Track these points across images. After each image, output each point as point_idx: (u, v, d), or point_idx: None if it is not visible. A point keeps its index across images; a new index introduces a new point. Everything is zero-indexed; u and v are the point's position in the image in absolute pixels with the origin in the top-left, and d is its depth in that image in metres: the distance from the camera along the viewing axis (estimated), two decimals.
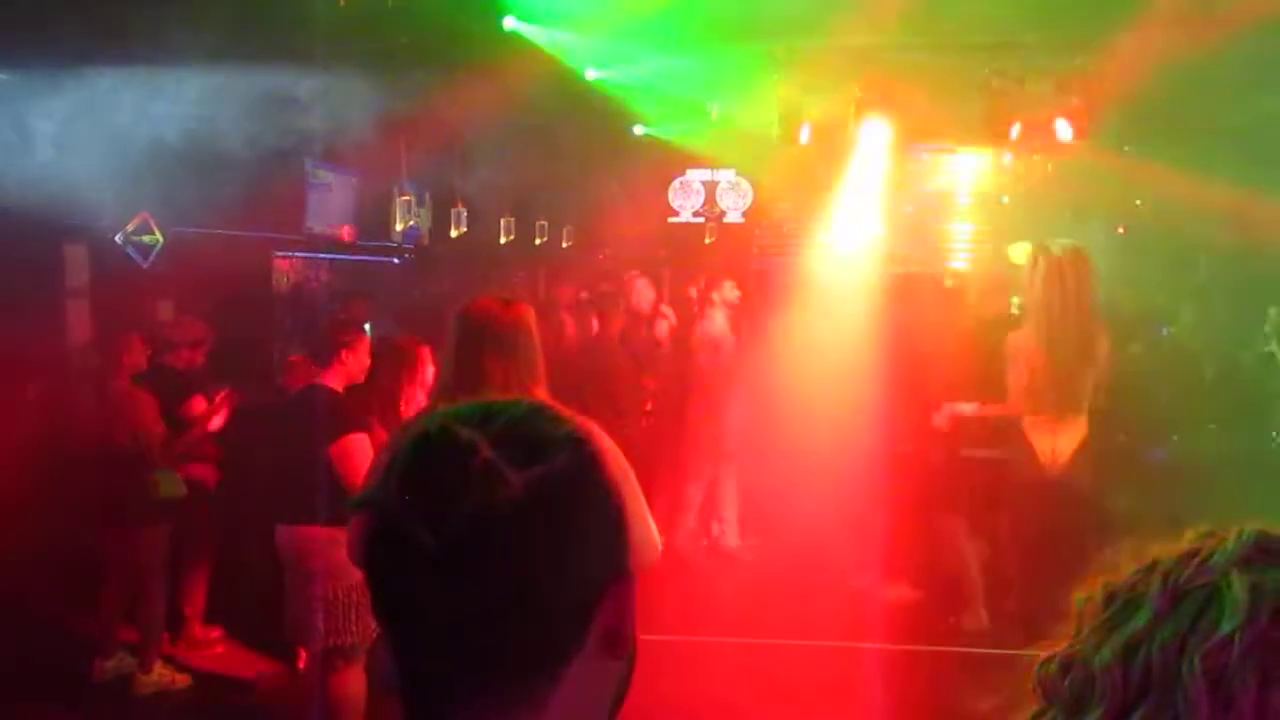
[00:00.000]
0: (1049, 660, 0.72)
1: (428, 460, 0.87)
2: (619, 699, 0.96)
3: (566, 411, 0.96)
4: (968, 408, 5.87)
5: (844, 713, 5.19)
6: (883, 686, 5.42)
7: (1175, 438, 9.33)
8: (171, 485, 5.58)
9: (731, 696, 5.36)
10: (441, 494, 0.85)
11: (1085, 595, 0.73)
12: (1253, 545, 0.69)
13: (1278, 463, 9.81)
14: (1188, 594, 0.68)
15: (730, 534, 8.08)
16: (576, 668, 0.89)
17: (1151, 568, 0.71)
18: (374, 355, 4.83)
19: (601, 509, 0.91)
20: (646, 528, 2.67)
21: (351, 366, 4.67)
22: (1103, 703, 0.67)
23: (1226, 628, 0.65)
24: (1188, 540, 0.72)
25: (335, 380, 4.65)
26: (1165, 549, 0.72)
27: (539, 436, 0.90)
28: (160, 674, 5.57)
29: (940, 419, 6.23)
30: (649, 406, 7.68)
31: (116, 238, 6.97)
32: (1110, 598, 0.71)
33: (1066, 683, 0.70)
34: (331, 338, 4.83)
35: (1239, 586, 0.66)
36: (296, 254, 9.51)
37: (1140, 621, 0.68)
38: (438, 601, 0.86)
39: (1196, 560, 0.69)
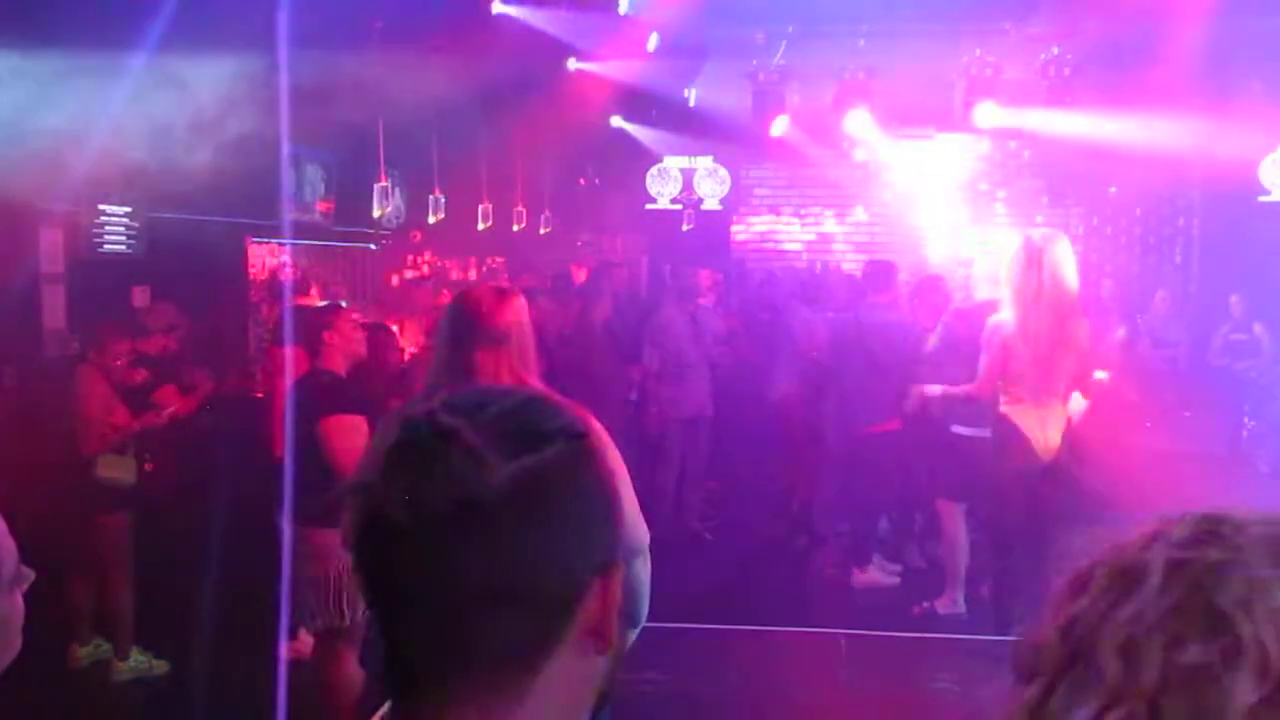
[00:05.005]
0: (1019, 639, 0.78)
1: (411, 446, 0.88)
2: (603, 694, 0.96)
3: (564, 402, 0.96)
4: (935, 389, 5.92)
5: (817, 699, 5.21)
6: (853, 673, 5.46)
7: (1148, 424, 9.43)
8: (114, 468, 5.46)
9: (701, 683, 5.37)
10: (423, 480, 0.86)
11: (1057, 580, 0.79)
12: (1195, 527, 0.73)
13: (1248, 450, 9.95)
14: (1123, 572, 0.73)
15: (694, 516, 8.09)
16: (558, 661, 0.89)
17: (1113, 551, 0.76)
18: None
19: (589, 503, 0.91)
20: (636, 518, 2.66)
21: (341, 346, 4.57)
22: (1045, 674, 0.73)
23: (1140, 600, 0.70)
24: (1150, 525, 0.76)
25: (332, 364, 4.57)
26: (1130, 534, 0.76)
27: (529, 427, 0.90)
28: (137, 660, 5.55)
29: (909, 401, 6.30)
30: (633, 396, 7.65)
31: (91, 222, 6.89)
32: (1072, 580, 0.76)
33: (1023, 657, 0.76)
34: (308, 324, 4.78)
35: (1161, 563, 0.71)
36: (272, 239, 9.44)
37: (1084, 599, 0.74)
38: (418, 587, 0.88)
39: (1143, 542, 0.74)
